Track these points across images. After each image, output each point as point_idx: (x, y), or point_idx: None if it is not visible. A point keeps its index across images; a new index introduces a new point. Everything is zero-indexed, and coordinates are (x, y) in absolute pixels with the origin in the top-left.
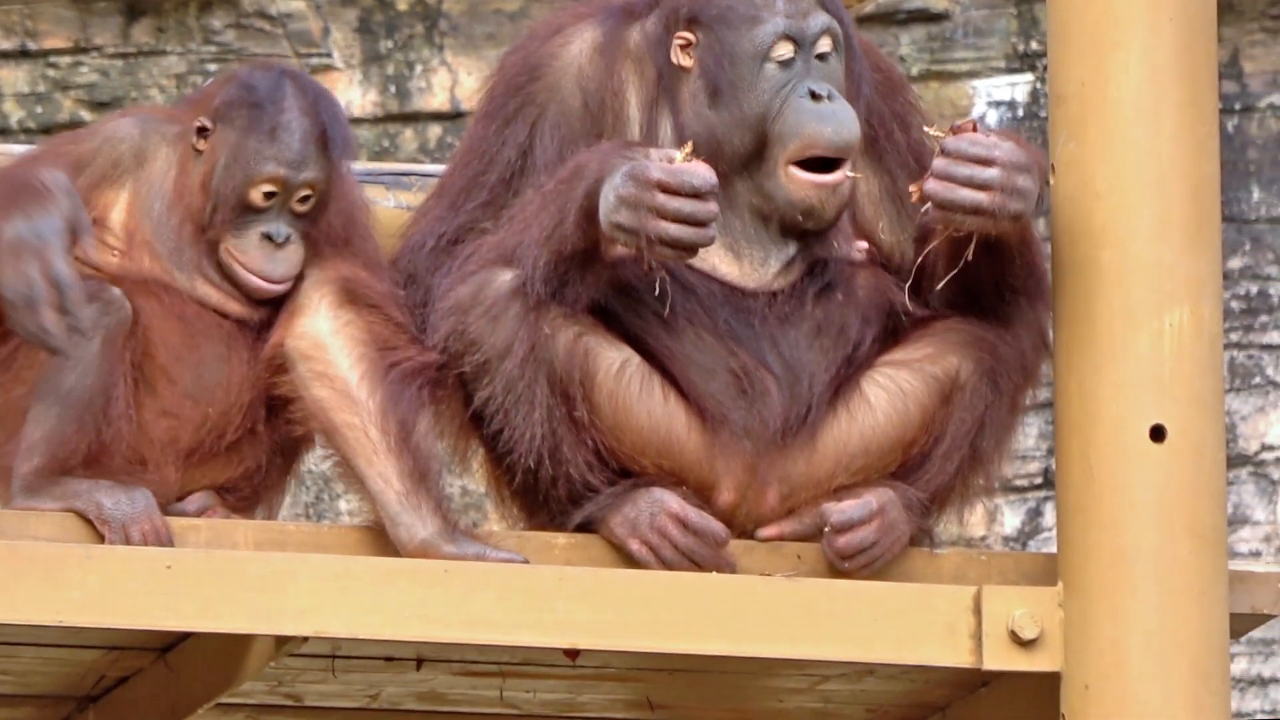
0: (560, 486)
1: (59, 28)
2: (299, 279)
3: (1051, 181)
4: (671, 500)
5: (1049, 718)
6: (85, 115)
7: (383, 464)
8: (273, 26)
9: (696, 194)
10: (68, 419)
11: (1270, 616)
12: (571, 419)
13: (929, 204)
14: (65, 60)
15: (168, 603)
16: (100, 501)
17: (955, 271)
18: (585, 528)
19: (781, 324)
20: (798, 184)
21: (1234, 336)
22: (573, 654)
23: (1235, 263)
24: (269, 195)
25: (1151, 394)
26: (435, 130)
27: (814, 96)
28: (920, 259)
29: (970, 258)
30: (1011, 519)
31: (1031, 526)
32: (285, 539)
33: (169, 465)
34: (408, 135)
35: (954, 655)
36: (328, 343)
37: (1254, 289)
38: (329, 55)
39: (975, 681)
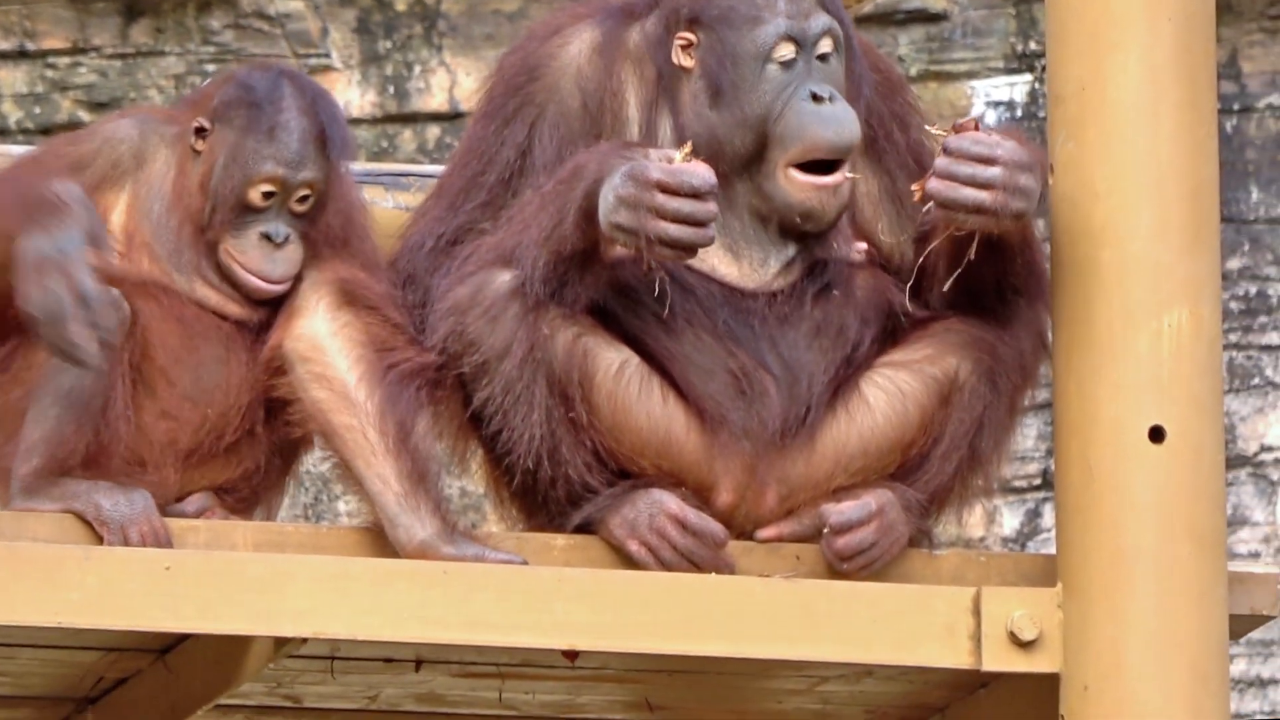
0: (559, 487)
1: (57, 28)
2: (297, 280)
3: (1050, 182)
4: (670, 501)
5: (1048, 719)
6: (84, 116)
7: (381, 465)
8: (271, 27)
9: (696, 194)
10: (66, 420)
11: (1269, 618)
12: (570, 420)
13: (930, 203)
14: (63, 61)
15: (166, 604)
16: (98, 503)
17: (958, 272)
18: (584, 529)
19: (780, 325)
20: (797, 186)
21: (1233, 337)
22: (571, 655)
23: (1234, 263)
24: (268, 195)
25: (1150, 395)
26: (434, 131)
27: (815, 99)
28: (921, 259)
29: (972, 257)
30: (1010, 520)
31: (1030, 527)
32: (284, 540)
33: (168, 466)
34: (406, 136)
35: (953, 656)
36: (326, 344)
37: (1253, 290)
38: (327, 56)
39: (974, 683)
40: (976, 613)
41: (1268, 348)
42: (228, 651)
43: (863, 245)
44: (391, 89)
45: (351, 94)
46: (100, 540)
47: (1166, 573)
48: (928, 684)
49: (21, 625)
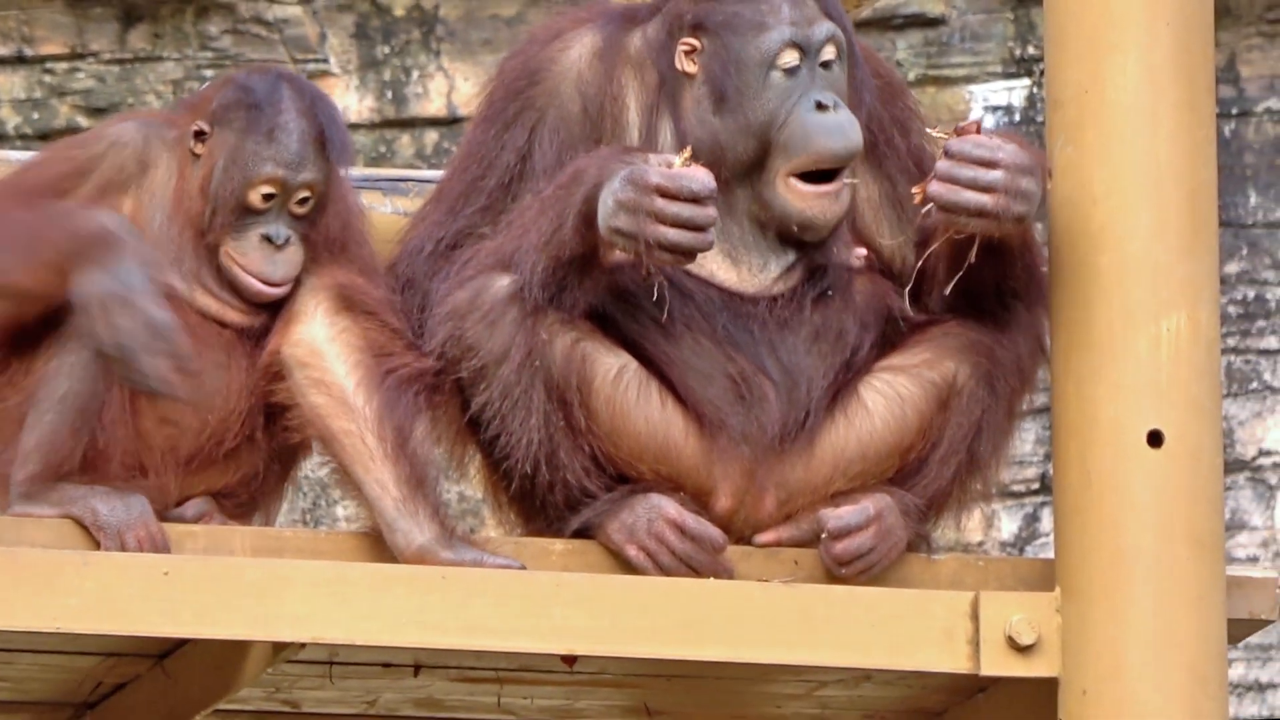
0: (557, 492)
1: (55, 34)
2: (295, 285)
3: (1049, 186)
4: (669, 506)
5: None
6: (82, 121)
7: (379, 470)
8: (269, 32)
9: (695, 199)
10: (63, 425)
11: (1267, 622)
12: (569, 424)
13: (931, 206)
14: (62, 66)
15: (165, 609)
16: (95, 508)
17: (958, 276)
18: (582, 533)
19: (780, 330)
20: (797, 194)
21: (1231, 341)
22: (570, 660)
23: (1232, 267)
24: (268, 197)
25: (1149, 399)
26: (432, 136)
27: (820, 107)
28: (921, 262)
29: (973, 260)
30: (1009, 524)
31: (1029, 532)
32: (282, 545)
33: (168, 472)
34: (404, 141)
35: (951, 661)
36: (324, 349)
37: (1251, 294)
38: (325, 61)
39: (973, 687)
40: (975, 617)
41: (1266, 352)
42: (226, 657)
43: (862, 250)
44: (389, 94)
45: (350, 99)
46: (98, 545)
47: (1165, 577)
48: (926, 689)
49: (20, 630)
